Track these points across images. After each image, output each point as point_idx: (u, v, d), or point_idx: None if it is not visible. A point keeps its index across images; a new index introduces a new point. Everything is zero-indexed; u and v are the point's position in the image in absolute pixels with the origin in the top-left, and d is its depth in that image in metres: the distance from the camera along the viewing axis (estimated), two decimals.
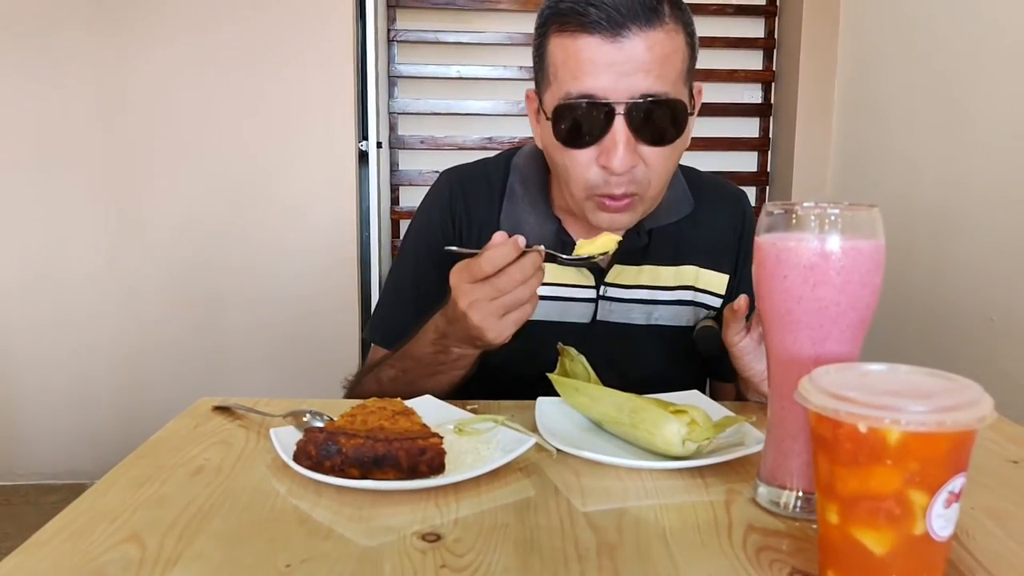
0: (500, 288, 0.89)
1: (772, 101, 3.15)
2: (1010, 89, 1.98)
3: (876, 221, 0.66)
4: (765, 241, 0.68)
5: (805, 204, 0.66)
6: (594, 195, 1.02)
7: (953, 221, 2.21)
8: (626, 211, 1.03)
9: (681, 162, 1.24)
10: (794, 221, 0.66)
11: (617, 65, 0.94)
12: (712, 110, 3.06)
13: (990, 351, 2.04)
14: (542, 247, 0.90)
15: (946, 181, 2.25)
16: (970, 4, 2.15)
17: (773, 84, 3.14)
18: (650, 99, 0.95)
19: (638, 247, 1.15)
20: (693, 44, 1.02)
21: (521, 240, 0.88)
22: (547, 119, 1.01)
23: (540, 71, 1.04)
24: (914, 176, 2.41)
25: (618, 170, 0.97)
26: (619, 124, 0.96)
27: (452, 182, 1.22)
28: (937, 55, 2.30)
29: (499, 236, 0.90)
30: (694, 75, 1.04)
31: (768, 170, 3.17)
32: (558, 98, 0.98)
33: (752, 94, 3.16)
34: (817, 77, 2.94)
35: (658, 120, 0.97)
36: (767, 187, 3.18)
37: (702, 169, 1.28)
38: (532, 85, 1.10)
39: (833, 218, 0.65)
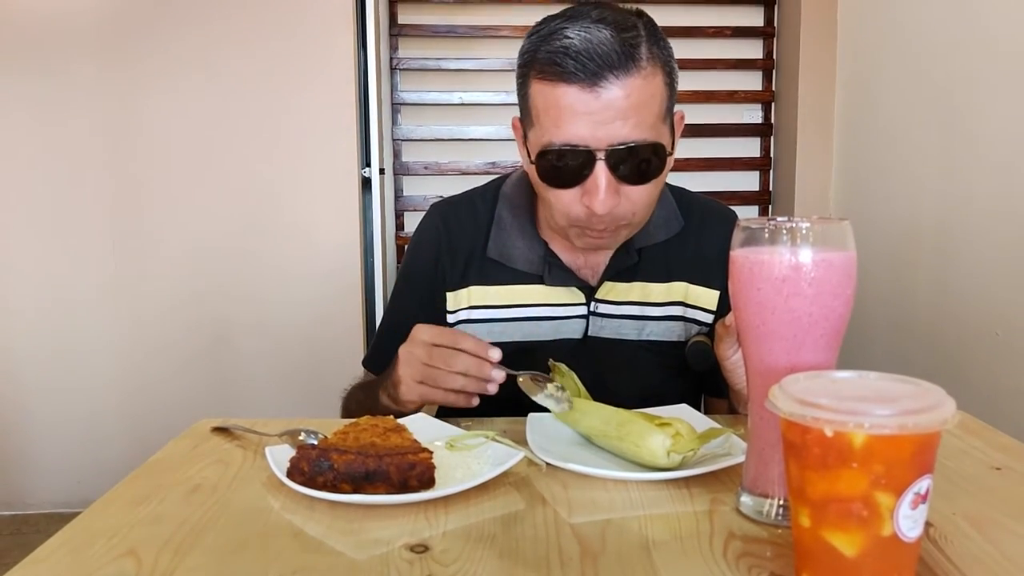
0: (435, 359, 0.96)
1: (772, 121, 3.17)
2: (1010, 104, 2.00)
3: (847, 234, 0.68)
4: (739, 255, 0.70)
5: (778, 218, 0.68)
6: (576, 226, 1.05)
7: (956, 236, 2.22)
8: (609, 237, 1.07)
9: (679, 183, 1.29)
10: (767, 235, 0.68)
11: (596, 113, 0.96)
12: (713, 131, 3.09)
13: (997, 366, 2.04)
14: (519, 376, 0.94)
15: (948, 196, 2.26)
16: (967, 20, 2.17)
17: (773, 104, 3.17)
18: (630, 145, 0.97)
19: (628, 265, 1.17)
20: (672, 81, 1.03)
21: (495, 352, 0.94)
22: (531, 162, 1.04)
23: (524, 109, 1.06)
24: (916, 192, 2.42)
25: (600, 212, 0.99)
26: (600, 169, 0.98)
27: (439, 217, 1.26)
28: (935, 71, 2.32)
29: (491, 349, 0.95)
30: (674, 105, 1.06)
31: (770, 189, 3.18)
32: (541, 143, 1.01)
33: (752, 114, 3.18)
34: (816, 96, 2.96)
35: (638, 163, 0.99)
36: (769, 206, 3.19)
37: (706, 189, 1.31)
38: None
39: (804, 231, 0.67)
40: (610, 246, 1.11)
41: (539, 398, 0.90)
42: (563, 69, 0.96)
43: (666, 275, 1.20)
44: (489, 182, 1.28)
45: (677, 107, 1.09)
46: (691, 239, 1.21)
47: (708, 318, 1.20)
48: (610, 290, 1.18)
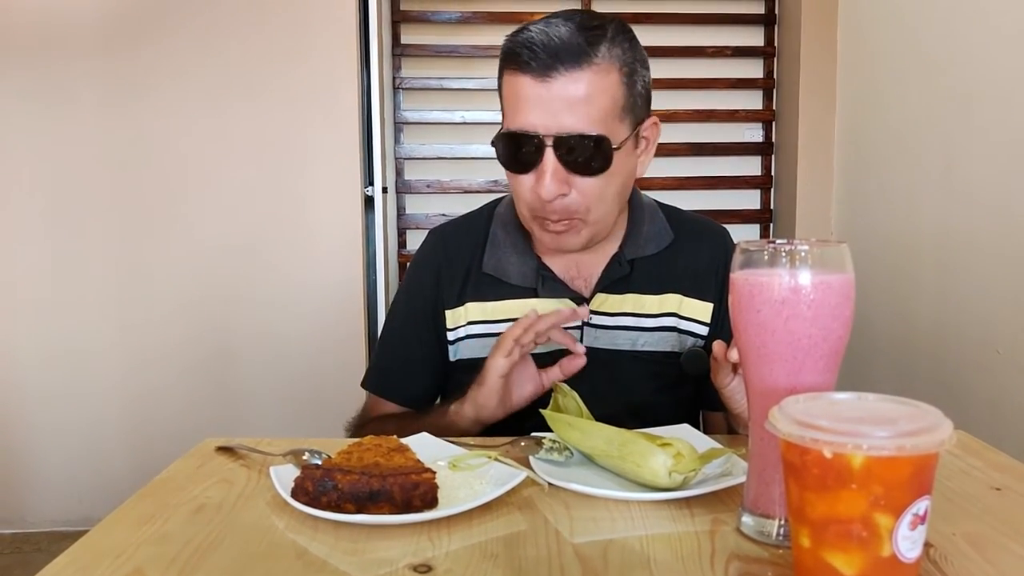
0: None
1: (773, 140, 3.19)
2: (1010, 121, 2.01)
3: (844, 256, 0.69)
4: (739, 277, 0.71)
5: (777, 241, 0.69)
6: (536, 217, 1.10)
7: (957, 254, 2.23)
8: (567, 233, 1.10)
9: (680, 201, 1.33)
10: (766, 258, 0.69)
11: (545, 103, 1.02)
12: (714, 150, 3.10)
13: (998, 383, 2.05)
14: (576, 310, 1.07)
15: (949, 214, 2.27)
16: (968, 38, 2.19)
17: (774, 123, 3.18)
18: (576, 135, 1.02)
19: (621, 276, 1.20)
20: (633, 81, 1.07)
21: (532, 314, 1.05)
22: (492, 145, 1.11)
23: (500, 103, 1.13)
24: (916, 209, 2.43)
25: (545, 197, 1.05)
26: (548, 156, 1.04)
27: (437, 239, 1.30)
28: (936, 89, 2.34)
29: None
30: (642, 109, 1.10)
31: (771, 208, 3.20)
32: (502, 129, 1.08)
33: (753, 133, 3.20)
34: (817, 115, 2.98)
35: (584, 153, 1.03)
36: (770, 225, 3.20)
37: (707, 208, 1.34)
38: None
39: (803, 254, 0.68)
40: (571, 245, 1.13)
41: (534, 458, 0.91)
42: (520, 59, 1.03)
43: (659, 287, 1.22)
44: (484, 205, 1.32)
45: (651, 118, 1.13)
46: (683, 252, 1.24)
47: (702, 330, 1.22)
48: (603, 301, 1.20)
